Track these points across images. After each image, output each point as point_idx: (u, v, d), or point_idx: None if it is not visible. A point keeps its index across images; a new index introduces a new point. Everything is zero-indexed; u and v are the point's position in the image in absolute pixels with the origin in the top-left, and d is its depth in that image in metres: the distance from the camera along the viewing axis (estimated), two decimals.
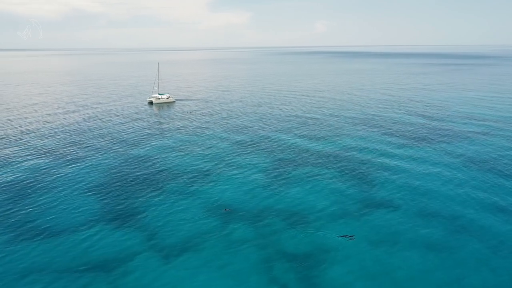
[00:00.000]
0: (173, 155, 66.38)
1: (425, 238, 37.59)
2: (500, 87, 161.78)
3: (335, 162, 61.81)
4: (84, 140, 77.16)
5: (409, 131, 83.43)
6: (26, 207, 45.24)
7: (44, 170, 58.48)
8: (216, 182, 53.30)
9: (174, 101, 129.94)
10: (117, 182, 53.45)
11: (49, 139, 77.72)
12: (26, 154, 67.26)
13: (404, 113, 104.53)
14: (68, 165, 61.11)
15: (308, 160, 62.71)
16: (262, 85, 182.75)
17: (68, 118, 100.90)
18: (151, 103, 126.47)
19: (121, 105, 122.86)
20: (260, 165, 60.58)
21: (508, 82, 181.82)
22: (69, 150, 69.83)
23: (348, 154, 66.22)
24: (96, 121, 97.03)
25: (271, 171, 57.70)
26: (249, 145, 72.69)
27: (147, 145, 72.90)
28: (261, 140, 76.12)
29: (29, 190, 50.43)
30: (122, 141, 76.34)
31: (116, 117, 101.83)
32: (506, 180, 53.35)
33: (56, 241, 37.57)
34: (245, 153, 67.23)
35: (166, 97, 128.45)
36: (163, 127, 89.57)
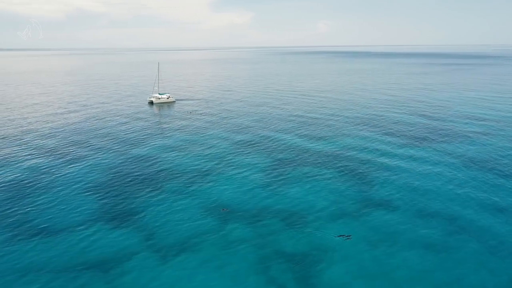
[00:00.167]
0: (172, 155, 66.33)
1: (424, 238, 37.43)
2: (502, 87, 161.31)
3: (335, 162, 61.66)
4: (84, 139, 77.18)
5: (410, 131, 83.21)
6: (24, 207, 45.23)
7: (44, 170, 58.49)
8: (215, 182, 53.22)
9: (174, 101, 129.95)
10: (116, 182, 53.42)
11: (49, 139, 77.77)
12: (26, 154, 67.30)
13: (405, 113, 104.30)
14: (68, 165, 61.11)
15: (308, 160, 62.59)
16: (264, 85, 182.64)
17: (69, 117, 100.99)
18: (151, 103, 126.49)
19: (122, 105, 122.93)
20: (259, 165, 60.47)
21: (509, 82, 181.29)
22: (68, 149, 69.85)
23: (348, 154, 66.07)
24: (96, 120, 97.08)
25: (271, 171, 57.59)
26: (249, 145, 72.60)
27: (147, 145, 72.87)
28: (261, 140, 76.02)
29: (28, 190, 50.44)
30: (122, 141, 76.34)
31: (117, 117, 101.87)
32: (507, 180, 53.11)
33: (54, 241, 37.53)
34: (245, 153, 67.13)
35: (166, 97, 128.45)
36: (163, 127, 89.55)
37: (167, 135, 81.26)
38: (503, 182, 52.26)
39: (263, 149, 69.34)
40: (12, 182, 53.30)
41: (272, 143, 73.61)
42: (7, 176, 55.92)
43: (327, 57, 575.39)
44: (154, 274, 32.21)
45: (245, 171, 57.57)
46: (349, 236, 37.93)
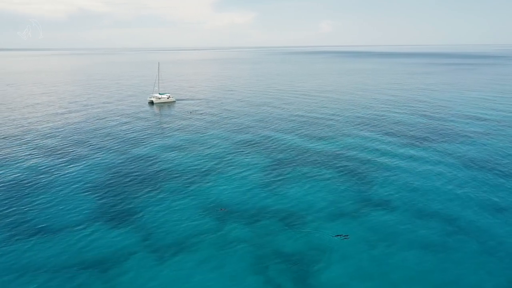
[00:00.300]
0: (172, 155, 66.29)
1: (423, 239, 37.29)
2: (504, 87, 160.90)
3: (335, 162, 61.53)
4: (84, 139, 77.21)
5: (411, 131, 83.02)
6: (22, 207, 45.24)
7: (43, 170, 58.51)
8: (215, 182, 53.15)
9: (174, 101, 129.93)
10: (116, 181, 53.40)
11: (49, 139, 77.82)
12: (26, 153, 67.34)
13: (406, 113, 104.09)
14: (67, 164, 61.12)
15: (308, 160, 62.48)
16: (265, 84, 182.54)
17: (70, 117, 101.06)
18: (151, 103, 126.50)
19: (123, 105, 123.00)
20: (259, 165, 60.39)
21: (511, 82, 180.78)
22: (68, 149, 69.87)
23: (348, 154, 65.93)
24: (96, 120, 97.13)
25: (270, 171, 57.49)
26: (249, 145, 72.52)
27: (146, 145, 72.85)
28: (262, 140, 75.93)
29: (27, 190, 50.45)
30: (122, 140, 76.34)
31: (117, 117, 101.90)
32: (507, 180, 52.91)
33: (52, 241, 37.51)
34: (245, 153, 67.05)
35: (167, 96, 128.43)
36: (164, 127, 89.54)
37: (167, 135, 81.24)
38: (503, 182, 52.06)
39: (263, 149, 69.25)
40: (11, 182, 53.32)
41: (272, 143, 73.51)
42: (7, 176, 55.95)
43: (328, 57, 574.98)
44: (152, 274, 32.16)
45: (244, 171, 57.50)
46: (347, 235, 37.83)
